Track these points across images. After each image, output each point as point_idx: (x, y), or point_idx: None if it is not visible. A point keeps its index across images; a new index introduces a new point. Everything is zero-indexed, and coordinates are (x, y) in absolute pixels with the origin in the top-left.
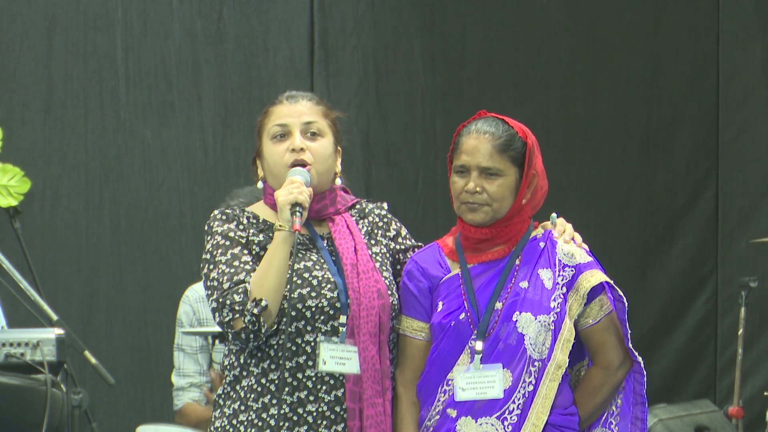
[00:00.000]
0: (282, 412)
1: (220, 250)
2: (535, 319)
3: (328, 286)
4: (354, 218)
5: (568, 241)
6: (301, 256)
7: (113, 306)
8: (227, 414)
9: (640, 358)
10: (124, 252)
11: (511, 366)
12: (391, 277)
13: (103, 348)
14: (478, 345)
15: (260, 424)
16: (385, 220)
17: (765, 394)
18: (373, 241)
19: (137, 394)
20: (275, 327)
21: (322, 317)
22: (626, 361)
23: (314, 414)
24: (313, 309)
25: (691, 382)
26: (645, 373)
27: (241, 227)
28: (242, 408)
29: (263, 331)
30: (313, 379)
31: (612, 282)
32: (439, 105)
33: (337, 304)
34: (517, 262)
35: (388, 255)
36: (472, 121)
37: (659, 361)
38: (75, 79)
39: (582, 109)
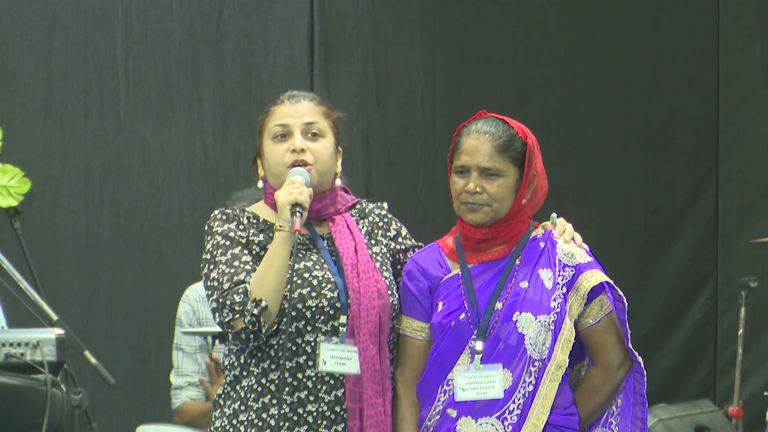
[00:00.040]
0: (282, 412)
1: (220, 250)
2: (536, 319)
3: (329, 286)
4: (354, 218)
5: (568, 241)
6: (301, 256)
7: (113, 306)
8: (227, 414)
9: (640, 358)
10: (124, 252)
11: (512, 366)
12: (392, 277)
13: (103, 348)
14: (479, 345)
15: (260, 424)
16: (386, 220)
17: (765, 394)
18: (373, 241)
19: (137, 394)
20: (275, 327)
21: (322, 317)
22: (626, 361)
23: (314, 414)
24: (314, 309)
25: (691, 382)
26: (645, 373)
27: (241, 227)
28: (242, 408)
29: (263, 331)
30: (314, 379)
31: (612, 282)
32: (439, 105)
33: (338, 304)
34: (518, 262)
35: (388, 255)
36: (472, 121)
37: (659, 361)
38: (75, 79)
39: (582, 109)
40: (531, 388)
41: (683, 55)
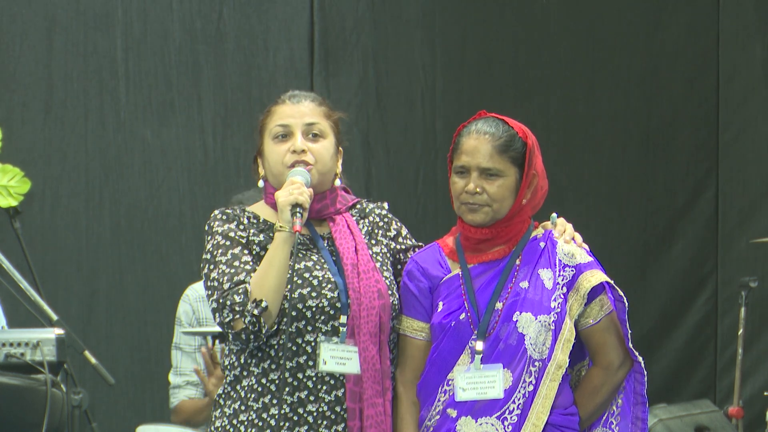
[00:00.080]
0: (282, 412)
1: (220, 250)
2: (536, 319)
3: (329, 286)
4: (354, 218)
5: (568, 241)
6: (301, 256)
7: (113, 306)
8: (227, 414)
9: (640, 358)
10: (124, 252)
11: (512, 366)
12: (392, 277)
13: (103, 348)
14: (479, 345)
15: (260, 424)
16: (386, 219)
17: (765, 394)
18: (373, 241)
19: (137, 394)
20: (275, 327)
21: (322, 317)
22: (627, 361)
23: (314, 414)
24: (314, 309)
25: (691, 382)
26: (645, 373)
27: (241, 227)
28: (242, 408)
29: (263, 331)
30: (314, 379)
31: (612, 282)
32: (439, 105)
33: (338, 304)
34: (518, 262)
35: (388, 255)
36: (472, 121)
37: (659, 361)
38: (75, 79)
39: (582, 109)
40: (531, 388)
41: (683, 55)
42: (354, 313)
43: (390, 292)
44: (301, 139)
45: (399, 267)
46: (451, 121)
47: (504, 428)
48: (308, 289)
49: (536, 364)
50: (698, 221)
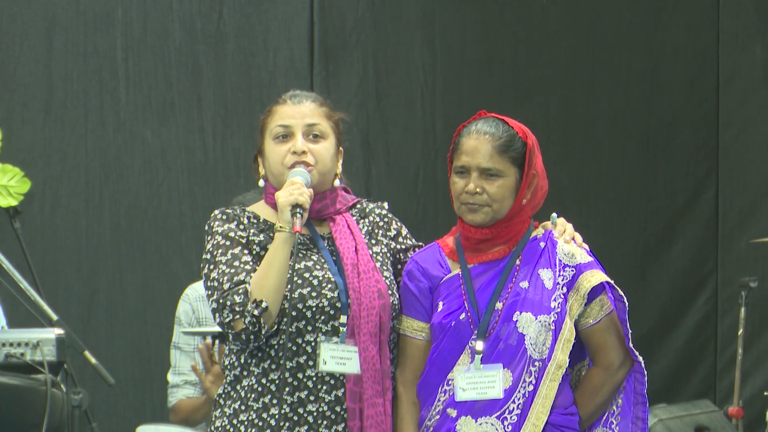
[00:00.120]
0: (282, 411)
1: (220, 250)
2: (536, 319)
3: (329, 286)
4: (355, 218)
5: (568, 241)
6: (301, 255)
7: (113, 306)
8: (228, 414)
9: (640, 358)
10: (124, 252)
11: (512, 366)
12: (392, 277)
13: (103, 348)
14: (479, 345)
15: (261, 423)
16: (386, 219)
17: (765, 394)
18: (373, 241)
19: (137, 394)
20: (276, 327)
21: (322, 317)
22: (627, 361)
23: (315, 414)
24: (314, 309)
25: (691, 382)
26: (645, 373)
27: (241, 227)
28: (243, 408)
29: (263, 332)
30: (314, 379)
31: (612, 282)
32: (439, 105)
33: (338, 304)
34: (518, 262)
35: (388, 255)
36: (472, 121)
37: (659, 361)
38: (75, 79)
39: (582, 109)
40: (531, 388)
41: (683, 55)
42: (354, 313)
43: (390, 292)
44: (301, 140)
45: (399, 267)
46: (451, 121)
47: (504, 428)
48: (308, 289)
49: (536, 364)
50: (698, 221)
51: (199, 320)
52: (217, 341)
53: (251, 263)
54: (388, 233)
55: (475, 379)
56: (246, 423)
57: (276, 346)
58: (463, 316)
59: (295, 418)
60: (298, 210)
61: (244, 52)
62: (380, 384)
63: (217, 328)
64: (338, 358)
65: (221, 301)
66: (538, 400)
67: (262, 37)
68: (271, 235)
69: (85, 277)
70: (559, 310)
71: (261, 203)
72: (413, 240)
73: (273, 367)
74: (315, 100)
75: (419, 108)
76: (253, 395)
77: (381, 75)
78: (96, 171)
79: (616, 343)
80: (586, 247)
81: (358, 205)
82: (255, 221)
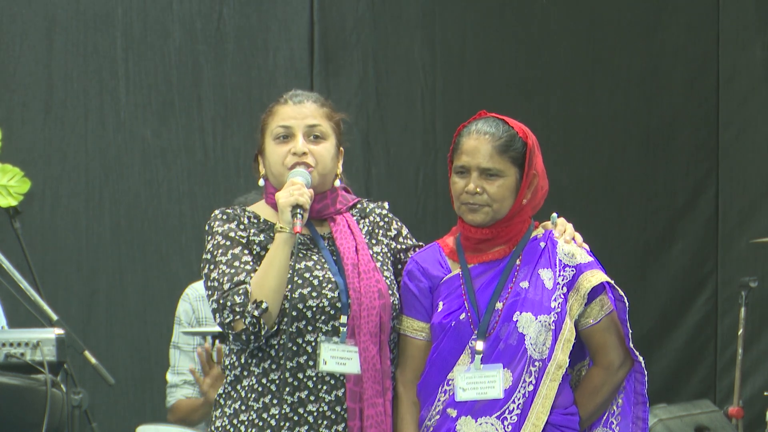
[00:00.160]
0: (283, 411)
1: (220, 250)
2: (536, 319)
3: (329, 286)
4: (355, 218)
5: (568, 241)
6: (302, 255)
7: (113, 306)
8: (228, 414)
9: (641, 358)
10: (124, 252)
11: (512, 366)
12: (392, 277)
13: (103, 348)
14: (479, 345)
15: (261, 423)
16: (386, 219)
17: (765, 394)
18: (374, 241)
19: (137, 394)
20: (276, 328)
21: (322, 317)
22: (627, 361)
23: (315, 414)
24: (314, 309)
25: (691, 382)
26: (646, 372)
27: (241, 227)
28: (243, 408)
29: (263, 332)
30: (314, 379)
31: (612, 282)
32: (439, 105)
33: (338, 304)
34: (518, 262)
35: (389, 254)
36: (472, 121)
37: (659, 361)
38: (75, 79)
39: (582, 109)
40: (531, 388)
41: (683, 55)
42: (354, 313)
43: (390, 292)
44: (302, 141)
45: (399, 267)
46: (451, 121)
47: (504, 428)
48: (309, 289)
49: (536, 364)
50: (698, 221)
51: (199, 320)
52: (216, 341)
53: (251, 263)
54: (389, 233)
55: (475, 379)
56: (246, 423)
57: (276, 346)
58: (463, 316)
59: (296, 418)
60: (298, 211)
61: (244, 52)
62: (380, 384)
63: (217, 328)
64: (338, 358)
65: (221, 301)
66: (538, 400)
67: (262, 37)
68: (272, 235)
69: (85, 277)
70: (559, 310)
71: (261, 203)
72: (413, 240)
73: (273, 367)
74: (316, 100)
75: (419, 108)
76: (253, 395)
77: (381, 75)
78: (96, 171)
79: (617, 343)
80: (586, 247)
81: (359, 205)
82: (255, 221)
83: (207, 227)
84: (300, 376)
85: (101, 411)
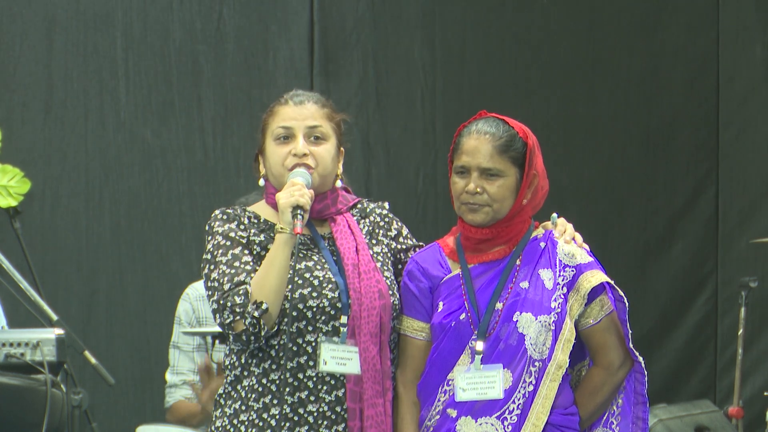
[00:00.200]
0: (283, 412)
1: (220, 251)
2: (536, 319)
3: (330, 286)
4: (355, 218)
5: (568, 241)
6: (302, 255)
7: (113, 306)
8: (228, 414)
9: (641, 358)
10: (124, 252)
11: (512, 366)
12: (392, 277)
13: (103, 348)
14: (479, 345)
15: (261, 424)
16: (387, 219)
17: (765, 394)
18: (374, 241)
19: (137, 394)
20: (276, 328)
21: (323, 317)
22: (627, 361)
23: (315, 414)
24: (314, 309)
25: (691, 382)
26: (646, 373)
27: (242, 227)
28: (243, 408)
29: (263, 333)
30: (314, 379)
31: (612, 282)
32: (439, 105)
33: (338, 305)
34: (518, 262)
35: (389, 255)
36: (472, 121)
37: (659, 361)
38: (75, 79)
39: (582, 109)
40: (531, 388)
41: (683, 55)
42: (354, 313)
43: (390, 292)
44: (302, 142)
45: (399, 267)
46: (451, 121)
47: (504, 428)
48: (309, 289)
49: (536, 364)
50: (698, 221)
51: (199, 320)
52: (216, 342)
53: (252, 264)
54: (389, 233)
55: (475, 380)
56: (246, 423)
57: (276, 347)
58: (463, 316)
59: (296, 418)
60: (298, 211)
61: (244, 52)
62: (380, 384)
63: (217, 328)
64: (339, 358)
65: (222, 302)
66: (538, 400)
67: (262, 37)
68: (272, 235)
69: (85, 277)
70: (559, 310)
71: (261, 203)
72: (414, 240)
73: (273, 367)
74: (317, 101)
75: (419, 108)
76: (253, 395)
77: (381, 75)
78: (96, 171)
79: (617, 343)
80: (587, 247)
81: (359, 205)
82: (255, 221)
83: (207, 227)
84: (300, 376)
85: (101, 411)
